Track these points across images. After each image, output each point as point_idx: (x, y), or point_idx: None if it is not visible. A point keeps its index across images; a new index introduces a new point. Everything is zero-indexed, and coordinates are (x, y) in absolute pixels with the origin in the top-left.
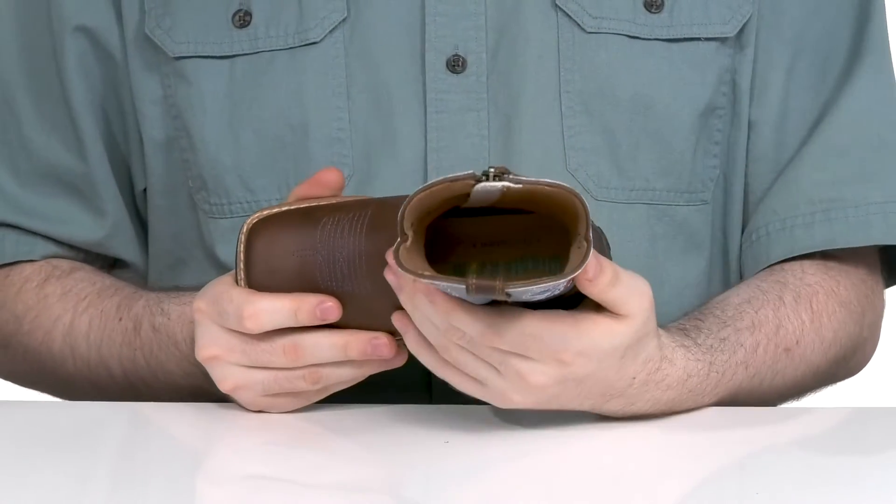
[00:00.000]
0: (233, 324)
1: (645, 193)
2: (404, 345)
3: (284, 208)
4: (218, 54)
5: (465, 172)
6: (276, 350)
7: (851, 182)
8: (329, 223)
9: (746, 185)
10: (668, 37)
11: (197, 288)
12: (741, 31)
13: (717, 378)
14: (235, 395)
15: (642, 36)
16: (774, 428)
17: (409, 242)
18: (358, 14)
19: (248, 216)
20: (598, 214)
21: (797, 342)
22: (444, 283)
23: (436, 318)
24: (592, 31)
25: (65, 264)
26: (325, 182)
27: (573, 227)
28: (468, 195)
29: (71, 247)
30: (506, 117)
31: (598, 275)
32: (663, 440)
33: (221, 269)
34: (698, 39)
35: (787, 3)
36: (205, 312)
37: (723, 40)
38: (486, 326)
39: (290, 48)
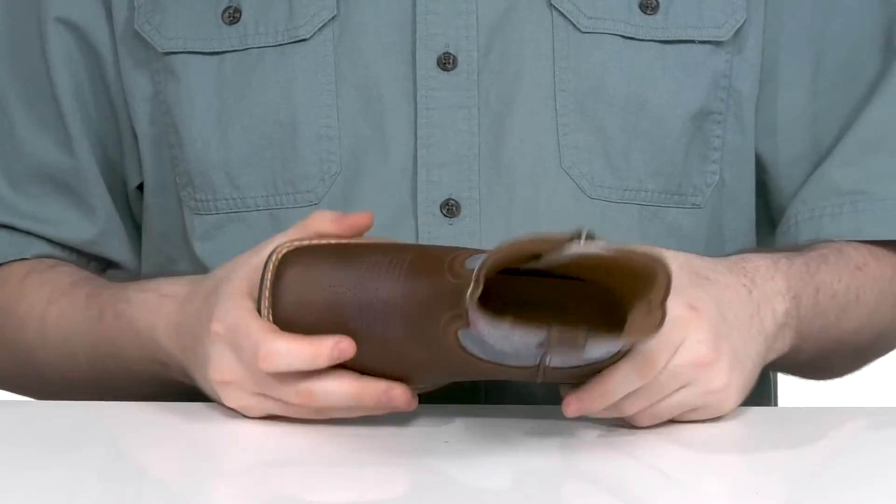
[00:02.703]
0: (247, 359)
1: (637, 194)
2: (417, 394)
3: (315, 242)
4: (207, 50)
5: (560, 233)
6: (290, 391)
7: (881, 177)
8: (366, 264)
9: (779, 188)
10: (662, 38)
11: (174, 274)
12: (737, 35)
13: (802, 263)
14: (238, 410)
15: (637, 37)
16: (774, 428)
17: (479, 292)
18: (348, 12)
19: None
20: (591, 213)
21: (865, 263)
22: (521, 332)
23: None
24: (587, 31)
25: (51, 261)
26: (357, 226)
27: (640, 293)
28: (538, 256)
29: (64, 247)
30: (497, 115)
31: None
32: (663, 440)
33: (200, 266)
34: (692, 42)
35: (796, 6)
36: (222, 338)
37: (717, 44)
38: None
39: (280, 45)
